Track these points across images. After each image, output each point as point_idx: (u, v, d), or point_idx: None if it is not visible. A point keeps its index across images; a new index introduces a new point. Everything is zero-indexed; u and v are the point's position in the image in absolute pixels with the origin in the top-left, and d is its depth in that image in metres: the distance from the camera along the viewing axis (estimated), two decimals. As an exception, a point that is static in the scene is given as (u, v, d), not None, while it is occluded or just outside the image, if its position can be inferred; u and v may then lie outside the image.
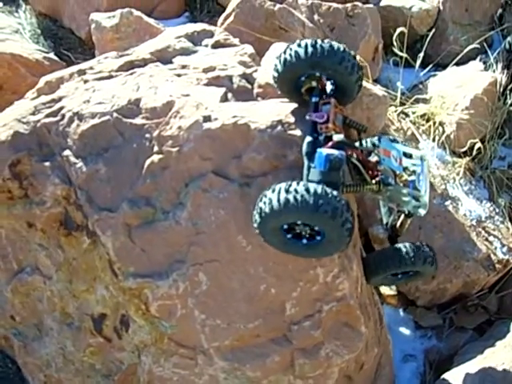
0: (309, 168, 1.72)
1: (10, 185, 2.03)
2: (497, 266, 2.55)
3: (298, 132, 1.83)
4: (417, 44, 3.33)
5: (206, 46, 2.35)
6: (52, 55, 3.27)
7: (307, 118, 1.79)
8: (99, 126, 1.98)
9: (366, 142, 1.96)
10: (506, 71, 3.18)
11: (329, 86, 1.84)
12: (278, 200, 1.58)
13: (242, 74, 2.10)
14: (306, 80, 1.83)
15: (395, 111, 2.92)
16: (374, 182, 1.82)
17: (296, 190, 1.57)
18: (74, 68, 2.27)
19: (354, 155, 1.79)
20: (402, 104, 2.97)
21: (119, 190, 1.94)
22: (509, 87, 3.09)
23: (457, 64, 3.12)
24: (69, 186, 1.99)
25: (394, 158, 1.88)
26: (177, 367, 2.02)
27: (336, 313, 1.90)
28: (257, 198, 1.69)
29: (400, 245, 2.02)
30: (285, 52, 1.82)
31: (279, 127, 1.83)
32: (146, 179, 1.91)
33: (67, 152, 2.00)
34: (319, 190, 1.56)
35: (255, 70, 2.13)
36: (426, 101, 3.00)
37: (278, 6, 2.92)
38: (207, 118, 1.87)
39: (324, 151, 1.66)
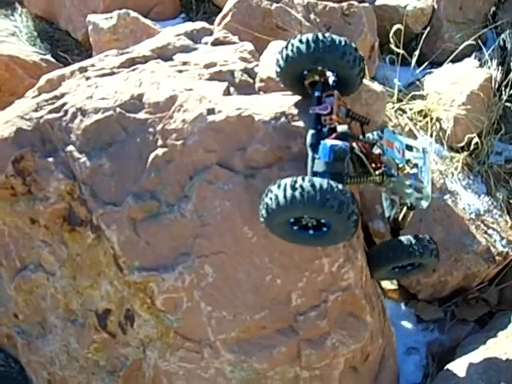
0: (313, 159, 1.74)
1: (13, 181, 2.04)
2: (497, 258, 2.57)
3: (301, 123, 1.84)
4: (412, 42, 3.36)
5: (206, 43, 2.36)
6: (49, 57, 3.28)
7: (310, 111, 1.81)
8: (102, 121, 1.98)
9: (370, 134, 1.97)
10: (500, 68, 3.21)
11: (331, 79, 1.85)
12: (285, 196, 1.59)
13: (244, 69, 2.11)
14: (308, 74, 1.85)
15: (392, 108, 2.94)
16: (377, 173, 1.84)
17: (302, 186, 1.58)
18: (75, 66, 2.28)
19: (358, 147, 1.81)
20: (399, 101, 2.99)
21: (123, 184, 1.95)
22: (503, 83, 3.12)
23: (452, 61, 3.15)
24: (73, 181, 1.99)
25: (396, 150, 1.90)
26: (183, 361, 2.02)
27: (341, 302, 1.91)
28: (262, 189, 1.70)
29: (405, 237, 2.03)
30: (286, 47, 1.83)
31: (283, 119, 1.85)
32: (150, 173, 1.91)
33: (71, 147, 2.00)
34: (325, 185, 1.57)
35: (256, 65, 2.15)
36: (422, 97, 3.02)
37: (275, 5, 2.94)
38: (211, 111, 1.88)
39: (328, 142, 1.68)
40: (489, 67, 3.18)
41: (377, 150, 1.88)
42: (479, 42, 3.31)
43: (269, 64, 2.10)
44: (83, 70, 2.24)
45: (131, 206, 1.92)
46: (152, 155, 1.91)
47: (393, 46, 2.89)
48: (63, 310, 2.17)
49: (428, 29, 3.35)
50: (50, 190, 2.01)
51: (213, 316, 1.92)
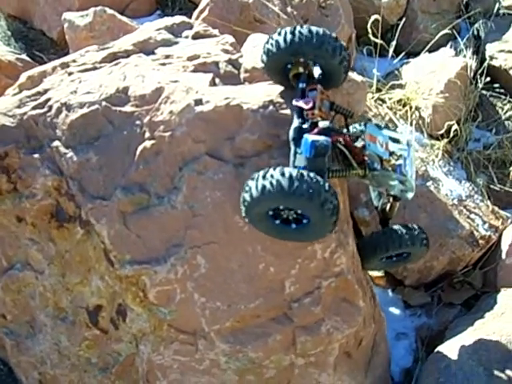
0: (295, 154, 1.75)
1: (-2, 179, 2.01)
2: (480, 241, 2.62)
3: (289, 111, 1.85)
4: (388, 34, 3.39)
5: (187, 37, 2.35)
6: (25, 56, 3.22)
7: (294, 103, 1.81)
8: (88, 116, 1.96)
9: (354, 127, 1.99)
10: (475, 56, 3.28)
11: (316, 72, 1.84)
12: (256, 187, 1.60)
13: (228, 60, 2.11)
14: (292, 67, 1.85)
15: (372, 98, 2.98)
16: (359, 167, 1.85)
17: (272, 175, 1.59)
18: (56, 62, 2.25)
19: (341, 141, 1.82)
20: (378, 90, 3.03)
21: (112, 177, 1.93)
22: (479, 71, 3.18)
23: (428, 51, 3.20)
24: (60, 177, 1.97)
25: (379, 144, 1.91)
26: (177, 354, 2.01)
27: (335, 288, 1.92)
28: (252, 177, 1.70)
29: (395, 226, 2.06)
30: (267, 42, 1.84)
31: (271, 107, 1.85)
32: (138, 165, 1.90)
33: (56, 143, 1.98)
34: (294, 173, 1.57)
35: (240, 56, 2.14)
36: (401, 87, 3.07)
37: (252, -2, 2.95)
38: (199, 102, 1.88)
39: (310, 137, 1.68)
40: (464, 56, 3.24)
41: (360, 143, 1.89)
42: (454, 31, 3.36)
43: (251, 55, 2.11)
44: (65, 65, 2.21)
45: (120, 200, 1.90)
46: (140, 148, 1.90)
47: (371, 36, 2.92)
48: (53, 308, 2.14)
49: (403, 20, 3.39)
50: (37, 186, 1.99)
51: (206, 307, 1.91)
